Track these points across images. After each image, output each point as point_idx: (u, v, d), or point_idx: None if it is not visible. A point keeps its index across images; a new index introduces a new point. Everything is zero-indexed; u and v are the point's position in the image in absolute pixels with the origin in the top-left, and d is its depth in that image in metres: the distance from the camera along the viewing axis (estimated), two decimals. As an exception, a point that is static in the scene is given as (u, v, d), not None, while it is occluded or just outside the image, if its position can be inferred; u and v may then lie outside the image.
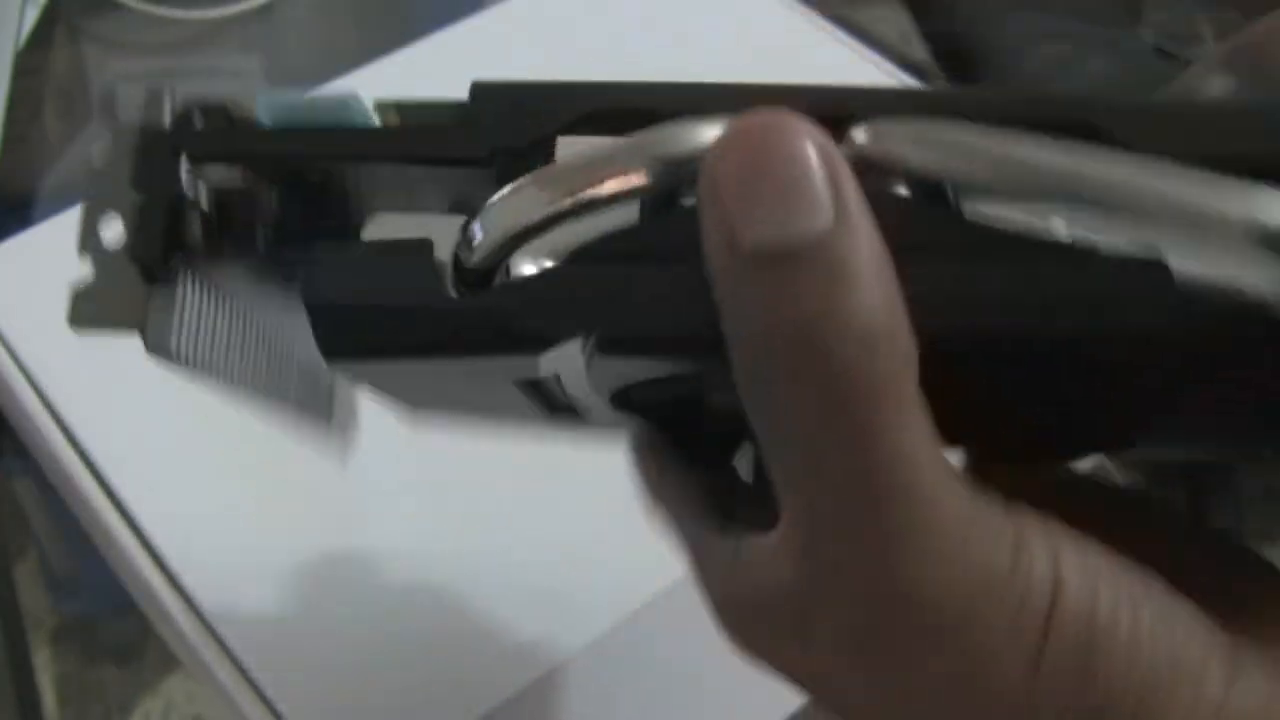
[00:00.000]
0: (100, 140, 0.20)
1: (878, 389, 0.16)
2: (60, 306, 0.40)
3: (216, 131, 0.20)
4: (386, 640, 0.32)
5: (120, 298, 0.20)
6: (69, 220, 0.40)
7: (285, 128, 0.20)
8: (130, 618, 0.37)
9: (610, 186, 0.17)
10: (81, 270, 0.20)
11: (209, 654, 0.31)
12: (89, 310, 0.20)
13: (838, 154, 0.16)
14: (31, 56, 0.50)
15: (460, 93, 0.23)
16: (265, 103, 0.19)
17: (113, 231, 0.20)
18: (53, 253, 0.39)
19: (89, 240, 0.20)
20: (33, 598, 0.43)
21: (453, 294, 0.18)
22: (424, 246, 0.18)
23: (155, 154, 0.20)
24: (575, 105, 0.19)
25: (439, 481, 0.34)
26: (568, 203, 0.17)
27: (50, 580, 0.44)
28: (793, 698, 0.32)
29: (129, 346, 0.39)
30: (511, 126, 0.19)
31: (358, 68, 0.44)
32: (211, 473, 0.34)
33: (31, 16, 0.51)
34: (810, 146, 0.16)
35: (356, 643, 0.32)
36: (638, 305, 0.18)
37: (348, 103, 0.19)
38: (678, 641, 0.33)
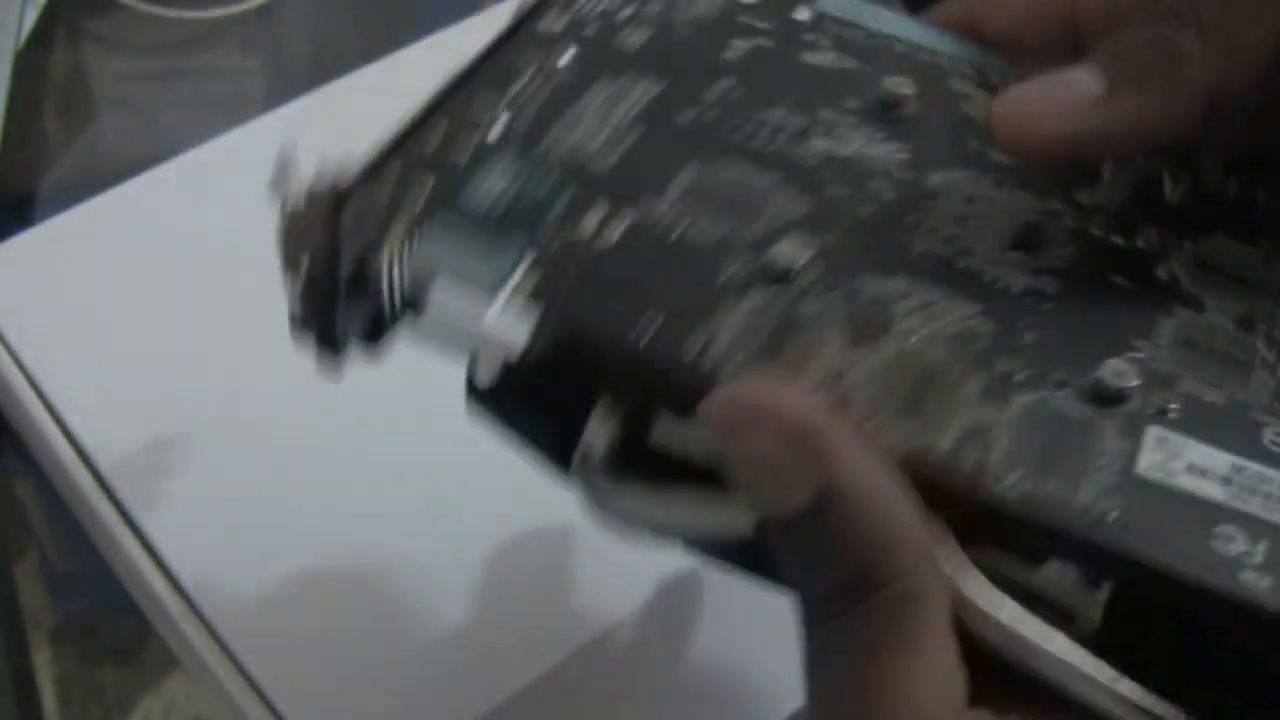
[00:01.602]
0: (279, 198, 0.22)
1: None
2: (60, 305, 0.40)
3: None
4: (386, 640, 0.32)
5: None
6: (69, 220, 0.40)
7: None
8: (130, 618, 0.37)
9: None
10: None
11: (209, 654, 0.31)
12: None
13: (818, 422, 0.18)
14: (31, 56, 0.50)
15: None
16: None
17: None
18: (53, 253, 0.39)
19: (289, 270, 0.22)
20: (33, 598, 0.42)
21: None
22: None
23: (320, 288, 0.22)
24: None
25: (440, 481, 0.34)
26: None
27: (50, 580, 0.43)
28: (792, 698, 0.32)
29: (127, 346, 0.39)
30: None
31: (358, 68, 0.44)
32: (212, 473, 0.34)
33: (31, 16, 0.51)
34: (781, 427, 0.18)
35: (356, 643, 0.32)
36: None
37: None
38: (678, 641, 0.33)
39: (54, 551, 0.44)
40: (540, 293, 0.21)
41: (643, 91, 0.24)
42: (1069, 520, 0.18)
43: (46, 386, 0.36)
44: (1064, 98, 0.21)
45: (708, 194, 0.22)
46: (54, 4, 0.52)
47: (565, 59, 0.25)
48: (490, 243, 0.21)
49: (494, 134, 0.23)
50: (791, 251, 0.21)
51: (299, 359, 0.36)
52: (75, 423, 0.35)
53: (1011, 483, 0.19)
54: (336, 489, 0.34)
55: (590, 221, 0.22)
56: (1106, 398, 0.20)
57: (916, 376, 0.20)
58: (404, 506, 0.34)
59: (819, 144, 0.23)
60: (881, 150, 0.24)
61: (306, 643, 0.31)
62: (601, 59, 0.25)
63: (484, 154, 0.23)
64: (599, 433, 0.21)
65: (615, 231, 0.22)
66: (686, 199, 0.22)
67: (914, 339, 0.20)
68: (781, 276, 0.21)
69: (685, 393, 0.19)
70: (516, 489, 0.34)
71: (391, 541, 0.33)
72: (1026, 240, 0.22)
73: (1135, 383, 0.20)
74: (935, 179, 0.23)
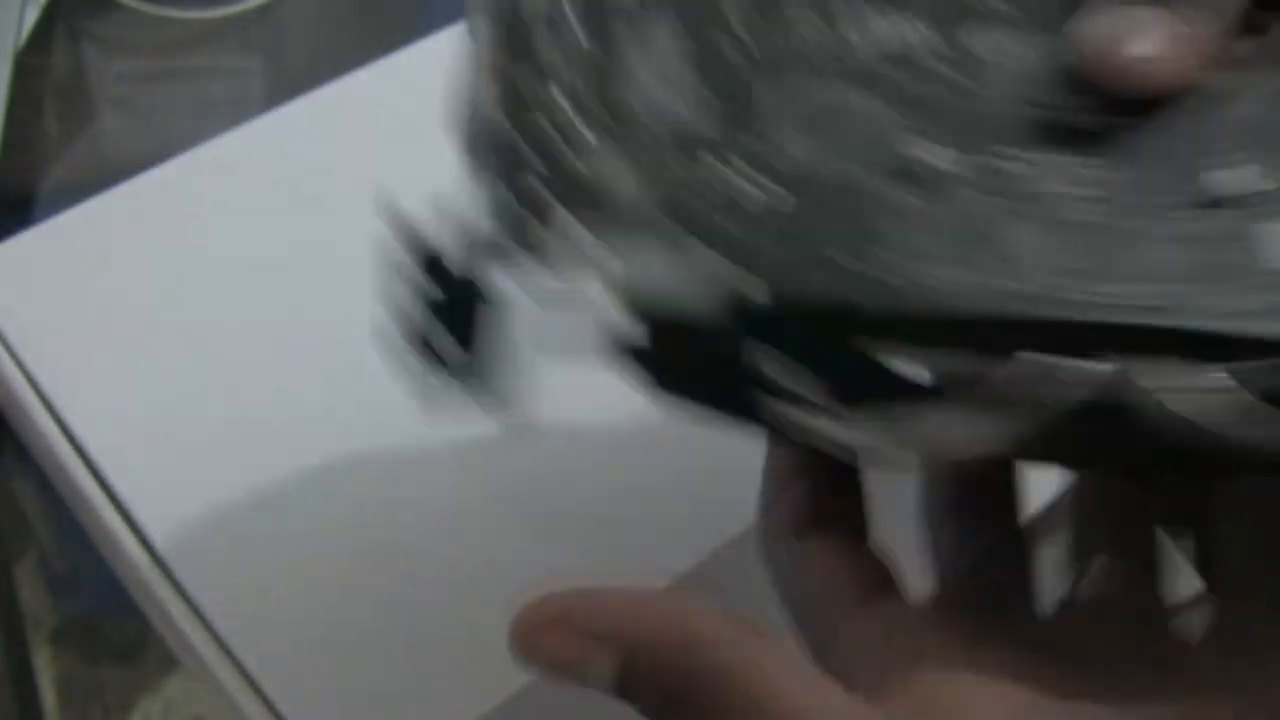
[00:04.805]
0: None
1: None
2: (60, 305, 0.39)
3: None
4: (387, 640, 0.32)
5: None
6: (69, 220, 0.40)
7: None
8: (130, 618, 0.37)
9: None
10: None
11: (209, 654, 0.31)
12: None
13: None
14: (31, 56, 0.50)
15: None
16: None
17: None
18: (53, 253, 0.39)
19: None
20: (33, 598, 0.43)
21: None
22: None
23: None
24: None
25: (441, 482, 0.34)
26: None
27: (50, 580, 0.44)
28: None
29: (128, 347, 0.39)
30: None
31: (358, 68, 0.44)
32: (212, 472, 0.34)
33: (31, 16, 0.51)
34: None
35: (357, 643, 0.32)
36: None
37: None
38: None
39: (54, 551, 0.44)
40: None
41: None
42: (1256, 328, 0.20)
43: (46, 386, 0.36)
44: (1157, 45, 0.22)
45: (814, 120, 0.23)
46: (54, 4, 0.52)
47: None
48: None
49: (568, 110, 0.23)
50: (930, 155, 0.22)
51: (299, 358, 0.36)
52: (75, 423, 0.35)
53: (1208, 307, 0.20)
54: (337, 488, 0.34)
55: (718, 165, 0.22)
56: (1224, 203, 0.22)
57: (1082, 236, 0.21)
58: (405, 506, 0.34)
59: (868, 34, 0.24)
60: (912, 33, 0.24)
61: (306, 642, 0.31)
62: None
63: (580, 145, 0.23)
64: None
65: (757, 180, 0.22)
66: (803, 125, 0.23)
67: (1068, 201, 0.22)
68: (931, 178, 0.22)
69: (911, 324, 0.20)
70: (518, 489, 0.34)
71: (392, 541, 0.33)
72: (1079, 85, 0.23)
73: (1254, 188, 0.22)
74: (979, 47, 0.24)
